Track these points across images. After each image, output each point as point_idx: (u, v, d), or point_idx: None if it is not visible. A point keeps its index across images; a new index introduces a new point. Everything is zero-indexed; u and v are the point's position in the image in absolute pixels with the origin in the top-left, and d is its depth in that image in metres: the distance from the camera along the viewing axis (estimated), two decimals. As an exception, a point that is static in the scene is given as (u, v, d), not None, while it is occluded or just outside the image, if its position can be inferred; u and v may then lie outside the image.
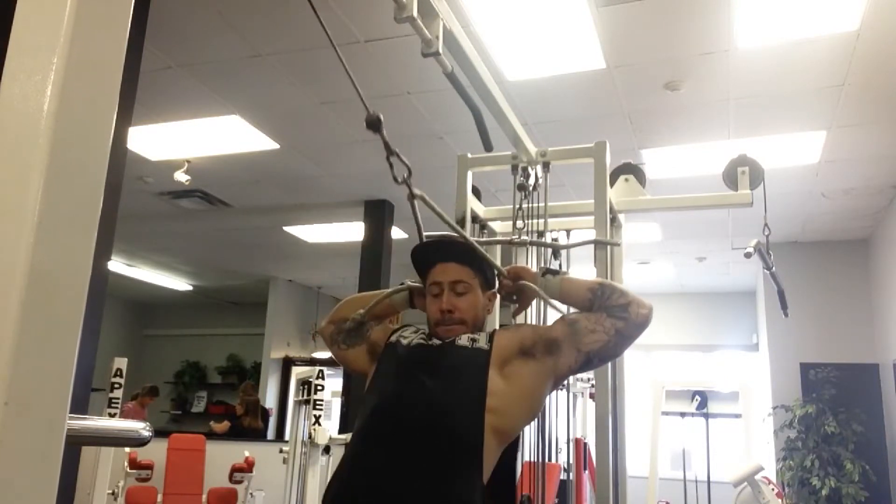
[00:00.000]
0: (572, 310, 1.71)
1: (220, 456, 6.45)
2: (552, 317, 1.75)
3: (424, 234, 1.73)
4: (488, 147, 2.03)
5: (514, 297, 1.81)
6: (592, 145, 2.46)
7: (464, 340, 1.64)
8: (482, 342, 1.63)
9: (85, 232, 0.62)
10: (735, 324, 8.93)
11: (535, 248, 2.56)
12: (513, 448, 1.67)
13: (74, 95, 0.60)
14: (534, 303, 2.46)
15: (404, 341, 1.70)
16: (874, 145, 4.80)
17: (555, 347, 1.60)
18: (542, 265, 1.97)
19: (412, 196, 1.46)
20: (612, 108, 4.38)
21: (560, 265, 2.59)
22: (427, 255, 1.75)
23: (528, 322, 2.30)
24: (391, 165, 1.36)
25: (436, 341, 1.67)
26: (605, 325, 1.59)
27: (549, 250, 2.49)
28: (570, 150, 2.55)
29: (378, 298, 1.79)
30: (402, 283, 1.83)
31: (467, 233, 2.19)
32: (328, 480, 1.58)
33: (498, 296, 1.85)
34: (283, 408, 9.77)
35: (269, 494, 6.08)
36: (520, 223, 2.46)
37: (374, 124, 1.30)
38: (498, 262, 1.84)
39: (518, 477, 1.91)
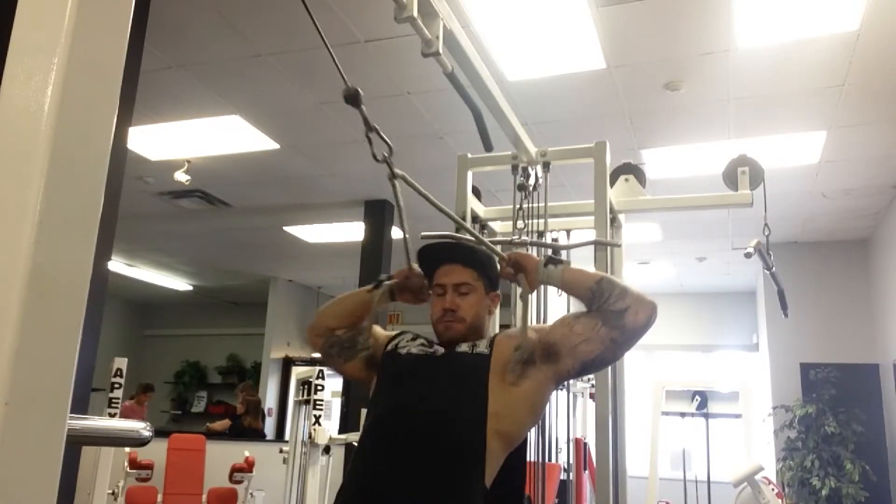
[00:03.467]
0: (574, 303, 1.72)
1: (220, 456, 6.45)
2: (552, 313, 1.74)
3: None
4: (488, 147, 2.03)
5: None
6: (592, 145, 2.46)
7: (464, 347, 1.65)
8: (482, 347, 1.64)
9: (85, 232, 0.62)
10: (735, 324, 8.93)
11: (535, 248, 2.56)
12: (518, 452, 1.67)
13: (75, 95, 0.60)
14: (534, 301, 2.47)
15: (403, 350, 1.71)
16: (874, 145, 4.80)
17: (553, 354, 1.59)
18: (546, 254, 1.95)
19: (393, 176, 1.41)
20: (612, 108, 4.38)
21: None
22: (433, 255, 1.75)
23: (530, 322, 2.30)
24: (370, 142, 1.31)
25: (438, 349, 1.68)
26: (600, 335, 1.55)
27: (549, 250, 2.49)
28: (570, 150, 2.56)
29: (355, 302, 1.78)
30: (379, 279, 1.80)
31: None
32: (336, 493, 1.58)
33: (500, 297, 1.85)
34: (283, 408, 9.77)
35: (269, 494, 6.08)
36: (520, 223, 2.46)
37: (352, 98, 1.27)
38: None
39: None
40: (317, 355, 1.86)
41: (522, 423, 1.62)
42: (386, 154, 1.35)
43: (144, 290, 10.43)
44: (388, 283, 1.76)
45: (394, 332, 1.82)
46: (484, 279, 1.74)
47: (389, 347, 1.74)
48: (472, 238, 1.74)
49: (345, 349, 1.77)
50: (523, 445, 1.74)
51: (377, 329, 1.82)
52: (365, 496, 1.50)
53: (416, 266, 1.72)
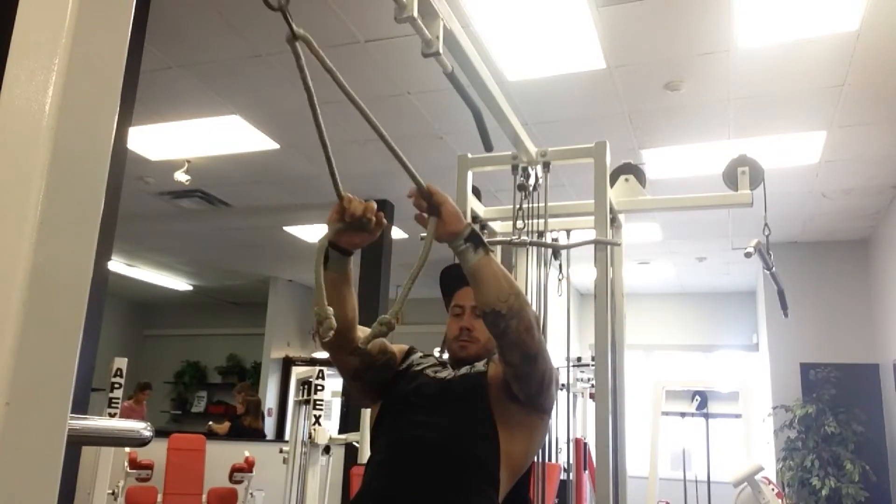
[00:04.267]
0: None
1: (220, 456, 6.45)
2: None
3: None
4: (488, 147, 2.03)
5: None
6: (592, 145, 2.46)
7: (464, 369, 1.68)
8: (480, 365, 1.68)
9: (86, 232, 0.62)
10: (735, 324, 8.93)
11: (535, 247, 2.56)
12: (525, 477, 1.69)
13: (75, 96, 0.60)
14: (534, 302, 2.46)
15: (413, 369, 1.73)
16: (874, 145, 4.80)
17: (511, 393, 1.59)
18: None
19: (294, 37, 1.08)
20: (612, 108, 4.38)
21: (560, 265, 2.59)
22: (455, 277, 1.75)
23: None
24: None
25: (443, 373, 1.69)
26: (510, 373, 1.54)
27: (549, 250, 2.50)
28: (570, 150, 2.55)
29: (317, 284, 1.26)
30: (319, 242, 1.31)
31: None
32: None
33: None
34: (283, 408, 9.77)
35: (269, 494, 6.08)
36: (520, 223, 2.46)
37: None
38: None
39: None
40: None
41: (525, 448, 1.63)
42: (283, 2, 1.02)
43: (144, 290, 10.43)
44: (321, 239, 1.31)
45: (405, 348, 1.81)
46: None
47: (402, 367, 1.75)
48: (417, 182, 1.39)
49: (378, 374, 1.69)
50: (529, 472, 1.75)
51: (394, 348, 1.77)
52: None
53: (347, 194, 1.37)
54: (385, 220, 1.43)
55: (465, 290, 1.72)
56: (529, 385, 1.55)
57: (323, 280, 1.24)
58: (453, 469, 1.51)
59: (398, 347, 1.81)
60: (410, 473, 1.51)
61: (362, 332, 1.56)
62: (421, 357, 1.78)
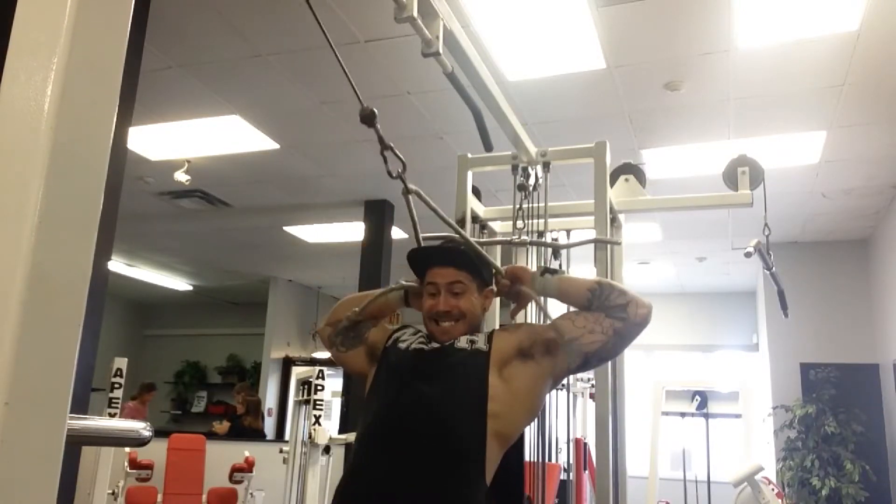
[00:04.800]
0: (572, 309, 1.70)
1: (220, 456, 6.45)
2: (554, 314, 1.74)
3: (422, 235, 1.72)
4: (488, 147, 2.03)
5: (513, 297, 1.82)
6: (592, 145, 2.46)
7: (462, 342, 1.64)
8: (481, 343, 1.63)
9: (85, 232, 0.62)
10: (735, 324, 8.93)
11: (535, 247, 2.56)
12: (516, 449, 1.67)
13: (75, 95, 0.61)
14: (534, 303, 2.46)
15: (403, 344, 1.69)
16: (874, 145, 4.80)
17: (553, 348, 1.60)
18: (542, 264, 1.96)
19: (407, 191, 1.44)
20: (612, 108, 4.38)
21: (560, 265, 2.59)
22: (425, 256, 1.74)
23: (528, 321, 2.30)
24: (385, 160, 1.34)
25: (435, 344, 1.67)
26: (603, 326, 1.59)
27: (549, 250, 2.50)
28: (570, 150, 2.55)
29: (372, 297, 1.79)
30: (398, 282, 1.83)
31: (467, 233, 2.19)
32: (335, 488, 1.59)
33: (494, 292, 1.84)
34: (283, 408, 9.77)
35: (269, 494, 6.08)
36: (520, 223, 2.46)
37: (368, 119, 1.30)
38: (498, 262, 1.83)
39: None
40: (317, 355, 1.84)
41: (520, 421, 1.62)
42: (400, 170, 1.37)
43: (144, 290, 10.43)
44: (406, 284, 1.80)
45: (396, 326, 1.81)
46: (477, 278, 1.72)
47: (390, 342, 1.73)
48: (473, 248, 1.74)
49: (347, 337, 1.79)
50: (521, 442, 1.74)
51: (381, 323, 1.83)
52: (366, 494, 1.49)
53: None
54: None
55: (439, 268, 1.70)
56: (611, 353, 1.67)
57: (380, 297, 1.80)
58: (439, 451, 1.49)
59: (386, 326, 1.82)
60: (395, 457, 1.50)
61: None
62: (412, 334, 1.74)
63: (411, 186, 1.44)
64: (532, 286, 1.73)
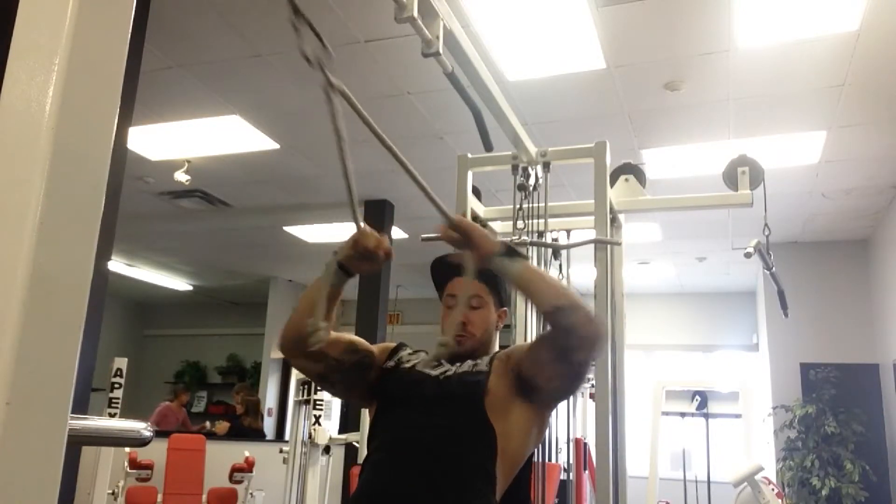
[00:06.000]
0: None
1: (220, 456, 6.45)
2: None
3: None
4: (488, 147, 2.03)
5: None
6: (592, 145, 2.46)
7: (467, 365, 1.64)
8: (483, 365, 1.63)
9: (86, 232, 0.62)
10: (735, 324, 8.93)
11: (535, 247, 2.56)
12: (524, 471, 1.67)
13: (76, 96, 0.61)
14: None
15: (406, 365, 1.68)
16: (874, 145, 4.80)
17: (529, 389, 1.56)
18: (507, 240, 1.69)
19: (329, 85, 1.09)
20: (612, 108, 4.38)
21: (560, 265, 2.59)
22: (446, 267, 1.73)
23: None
24: (297, 32, 1.00)
25: (440, 370, 1.65)
26: (559, 371, 1.51)
27: (550, 250, 2.50)
28: (570, 150, 2.56)
29: (315, 297, 1.49)
30: (326, 262, 1.51)
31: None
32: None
33: (507, 314, 1.81)
34: (283, 408, 9.77)
35: (269, 494, 6.08)
36: (520, 223, 2.46)
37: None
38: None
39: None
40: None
41: (522, 445, 1.60)
42: (321, 56, 1.04)
43: (144, 290, 10.43)
44: (332, 258, 1.49)
45: (392, 345, 1.77)
46: (494, 295, 1.72)
47: (391, 363, 1.70)
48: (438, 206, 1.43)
49: (349, 376, 1.65)
50: (528, 465, 1.72)
51: (373, 346, 1.74)
52: None
53: (364, 224, 1.44)
54: (394, 255, 1.50)
55: (458, 280, 1.69)
56: (574, 385, 1.58)
57: (312, 290, 1.40)
58: (450, 469, 1.49)
59: (381, 346, 1.76)
60: (406, 473, 1.50)
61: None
62: (410, 353, 1.73)
63: (335, 81, 1.10)
64: (489, 262, 1.46)
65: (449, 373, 1.63)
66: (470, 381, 1.59)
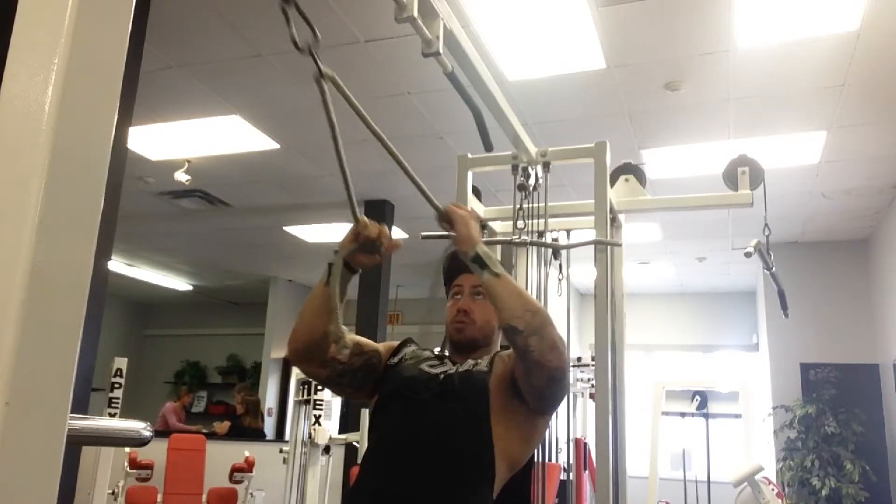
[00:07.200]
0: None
1: (220, 456, 6.45)
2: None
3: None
4: (488, 147, 2.03)
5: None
6: (592, 145, 2.46)
7: (468, 364, 1.64)
8: (484, 364, 1.64)
9: (86, 232, 0.62)
10: (735, 324, 8.93)
11: (535, 247, 2.56)
12: (524, 470, 1.67)
13: (75, 95, 0.60)
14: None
15: (407, 362, 1.69)
16: (874, 145, 4.80)
17: (519, 395, 1.56)
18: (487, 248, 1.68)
19: (320, 75, 1.13)
20: (612, 108, 4.38)
21: (560, 265, 2.59)
22: (457, 263, 1.73)
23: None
24: (287, 20, 1.02)
25: (441, 368, 1.65)
26: (528, 387, 1.51)
27: (550, 250, 2.50)
28: (570, 150, 2.56)
29: (327, 304, 1.51)
30: (329, 262, 1.53)
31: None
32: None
33: None
34: (283, 408, 9.76)
35: (269, 494, 6.08)
36: (520, 223, 2.46)
37: None
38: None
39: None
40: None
41: (524, 442, 1.61)
42: (311, 42, 1.06)
43: (144, 290, 10.43)
44: (336, 257, 1.50)
45: (396, 343, 1.78)
46: None
47: (394, 360, 1.71)
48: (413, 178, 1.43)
49: (357, 378, 1.66)
50: (529, 463, 1.72)
51: (379, 346, 1.74)
52: None
53: (362, 216, 1.44)
54: (400, 244, 1.51)
55: (467, 275, 1.69)
56: (550, 404, 1.57)
57: (315, 293, 1.45)
58: (447, 466, 1.49)
59: (386, 345, 1.77)
60: (403, 470, 1.50)
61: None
62: (416, 350, 1.74)
63: (326, 70, 1.13)
64: (465, 260, 1.49)
65: (450, 371, 1.63)
66: (470, 380, 1.60)
